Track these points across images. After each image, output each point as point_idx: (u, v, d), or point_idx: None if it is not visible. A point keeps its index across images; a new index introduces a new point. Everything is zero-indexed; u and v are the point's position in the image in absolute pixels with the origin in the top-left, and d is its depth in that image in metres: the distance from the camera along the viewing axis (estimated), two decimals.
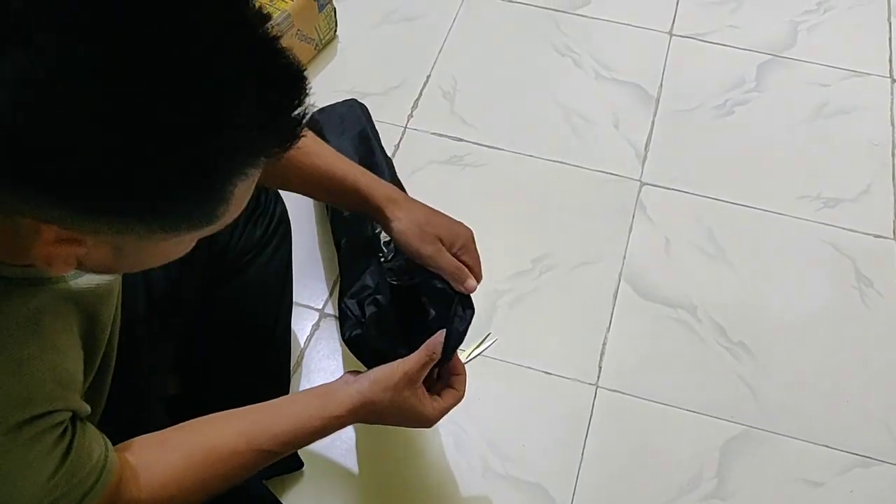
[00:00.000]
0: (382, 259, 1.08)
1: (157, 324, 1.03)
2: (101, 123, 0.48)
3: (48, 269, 0.59)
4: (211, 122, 0.51)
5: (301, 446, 0.91)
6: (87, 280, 0.72)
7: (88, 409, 0.73)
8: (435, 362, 0.95)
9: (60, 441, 0.68)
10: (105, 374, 0.84)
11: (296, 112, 0.55)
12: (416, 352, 0.94)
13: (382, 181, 1.03)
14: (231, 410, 0.89)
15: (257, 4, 0.55)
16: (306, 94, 0.55)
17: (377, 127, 1.63)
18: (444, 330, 0.97)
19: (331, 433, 0.91)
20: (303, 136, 0.56)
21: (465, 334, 1.01)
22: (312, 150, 0.99)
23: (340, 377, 0.95)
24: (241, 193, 0.58)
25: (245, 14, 0.53)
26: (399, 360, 0.93)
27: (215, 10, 0.51)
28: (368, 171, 1.03)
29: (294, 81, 0.55)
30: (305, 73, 0.55)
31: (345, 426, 0.92)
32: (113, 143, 0.49)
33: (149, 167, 0.50)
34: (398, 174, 1.54)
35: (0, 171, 0.50)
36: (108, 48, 0.48)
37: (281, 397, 0.94)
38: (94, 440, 0.73)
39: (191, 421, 0.87)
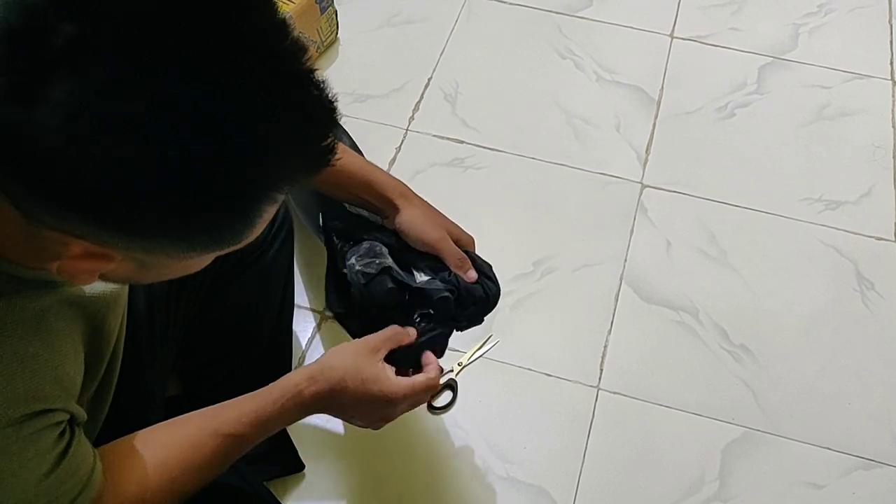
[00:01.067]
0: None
1: (158, 325, 1.03)
2: (144, 152, 0.50)
3: (71, 281, 0.60)
4: (248, 153, 0.53)
5: (270, 426, 0.88)
6: (94, 287, 0.72)
7: (85, 416, 0.73)
8: (401, 343, 0.95)
9: (59, 441, 0.68)
10: (109, 384, 0.84)
11: (326, 142, 0.56)
12: (383, 329, 0.94)
13: (391, 175, 1.05)
14: (199, 409, 0.88)
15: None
16: (337, 125, 0.57)
17: (379, 129, 1.64)
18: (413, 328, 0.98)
19: (297, 410, 0.89)
20: (332, 165, 0.58)
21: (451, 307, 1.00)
22: None
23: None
24: (267, 216, 0.59)
25: (286, 48, 0.54)
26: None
27: (259, 44, 0.52)
28: (377, 166, 1.04)
29: (327, 113, 0.56)
30: (337, 104, 0.57)
31: (308, 399, 0.88)
32: (153, 171, 0.50)
33: (186, 194, 0.52)
34: (401, 176, 1.54)
35: (41, 190, 0.51)
36: (154, 81, 0.49)
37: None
38: (87, 449, 0.73)
39: (158, 424, 0.85)
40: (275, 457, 1.21)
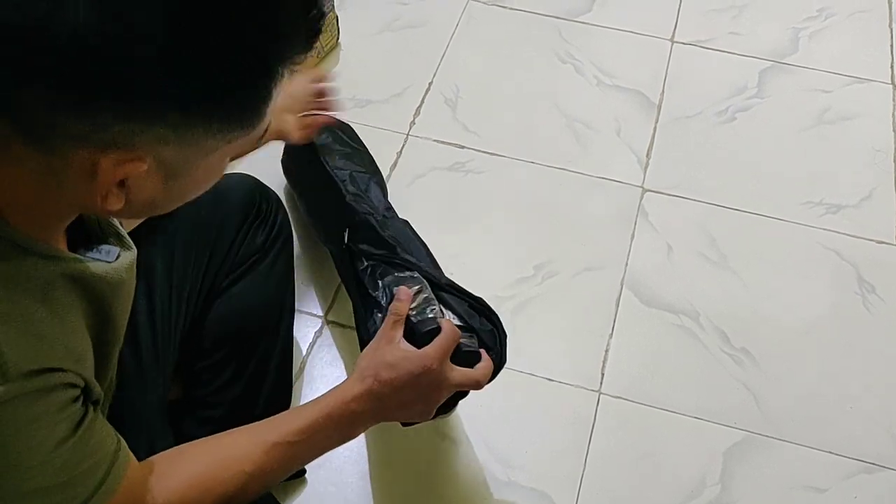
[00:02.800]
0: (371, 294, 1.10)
1: (159, 330, 1.03)
2: (174, 29, 0.55)
3: (102, 205, 0.62)
4: (262, 22, 0.58)
5: (320, 440, 0.90)
6: (97, 267, 0.72)
7: (101, 392, 0.73)
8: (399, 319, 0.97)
9: (72, 405, 0.67)
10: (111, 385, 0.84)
11: (313, 12, 0.62)
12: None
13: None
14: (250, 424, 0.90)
15: None
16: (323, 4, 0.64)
17: (379, 134, 1.63)
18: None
19: (348, 417, 0.90)
20: (317, 37, 0.64)
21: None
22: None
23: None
24: (270, 100, 0.63)
25: None
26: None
27: None
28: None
29: None
30: None
31: (360, 398, 0.90)
32: (181, 44, 0.55)
33: (213, 62, 0.57)
34: (402, 181, 1.54)
35: (72, 86, 0.54)
36: None
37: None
38: (107, 431, 0.73)
39: (207, 437, 0.88)
40: None
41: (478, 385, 1.00)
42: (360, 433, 0.95)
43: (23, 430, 0.63)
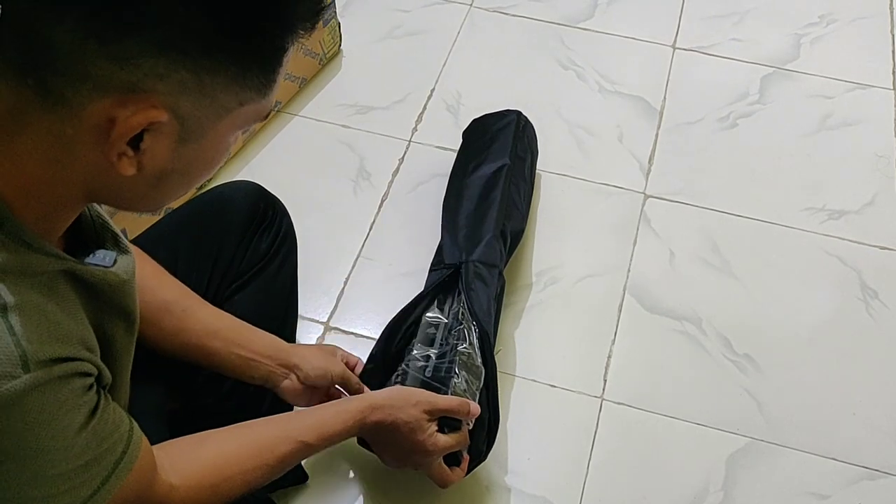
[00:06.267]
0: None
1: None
2: None
3: (115, 168, 0.62)
4: None
5: (333, 440, 0.99)
6: (95, 270, 0.72)
7: (111, 377, 0.74)
8: (458, 416, 1.09)
9: (88, 391, 0.68)
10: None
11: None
12: (451, 397, 1.10)
13: (263, 338, 1.10)
14: (269, 416, 0.99)
15: None
16: None
17: (382, 141, 1.64)
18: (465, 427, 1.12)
19: (355, 430, 1.02)
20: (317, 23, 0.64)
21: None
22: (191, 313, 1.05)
23: None
24: (281, 71, 0.65)
25: None
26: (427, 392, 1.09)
27: None
28: (247, 331, 1.08)
29: None
30: None
31: (368, 425, 1.02)
32: None
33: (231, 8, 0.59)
34: (404, 187, 1.54)
35: (112, 17, 0.56)
36: None
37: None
38: (120, 414, 0.74)
39: (228, 426, 0.92)
40: None
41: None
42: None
43: (48, 416, 0.64)
